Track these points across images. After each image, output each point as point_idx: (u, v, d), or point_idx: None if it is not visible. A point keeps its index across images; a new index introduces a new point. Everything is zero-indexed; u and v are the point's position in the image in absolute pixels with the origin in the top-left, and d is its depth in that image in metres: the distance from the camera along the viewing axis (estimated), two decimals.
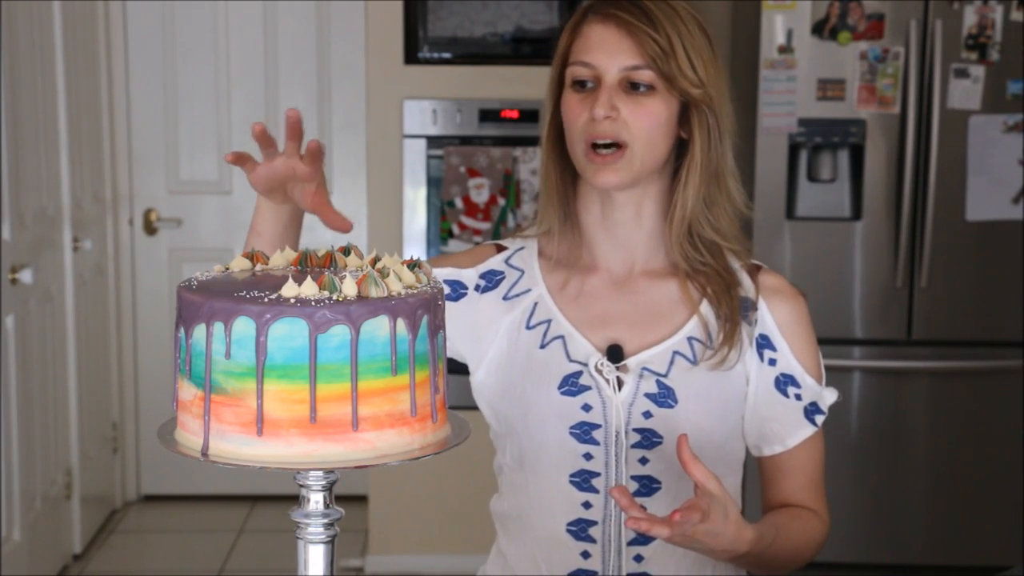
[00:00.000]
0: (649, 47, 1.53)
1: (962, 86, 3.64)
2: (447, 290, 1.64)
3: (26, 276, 3.58)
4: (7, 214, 3.46)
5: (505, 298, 1.64)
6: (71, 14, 4.11)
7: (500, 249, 1.69)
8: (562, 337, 1.60)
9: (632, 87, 1.55)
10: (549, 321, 1.61)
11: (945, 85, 3.64)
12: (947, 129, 3.66)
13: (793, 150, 3.70)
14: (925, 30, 3.63)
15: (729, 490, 1.64)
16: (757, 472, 1.70)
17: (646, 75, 1.54)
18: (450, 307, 1.63)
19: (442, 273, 1.65)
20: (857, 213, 3.73)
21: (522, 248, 1.68)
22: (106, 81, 4.52)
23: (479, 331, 1.64)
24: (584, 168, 1.57)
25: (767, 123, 3.66)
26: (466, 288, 1.65)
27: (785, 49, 3.65)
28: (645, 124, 1.54)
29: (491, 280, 1.66)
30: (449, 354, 1.65)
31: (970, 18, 3.62)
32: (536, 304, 1.63)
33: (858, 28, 3.63)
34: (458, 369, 1.59)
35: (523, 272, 1.65)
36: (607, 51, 1.55)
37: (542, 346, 1.60)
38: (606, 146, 1.55)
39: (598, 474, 1.58)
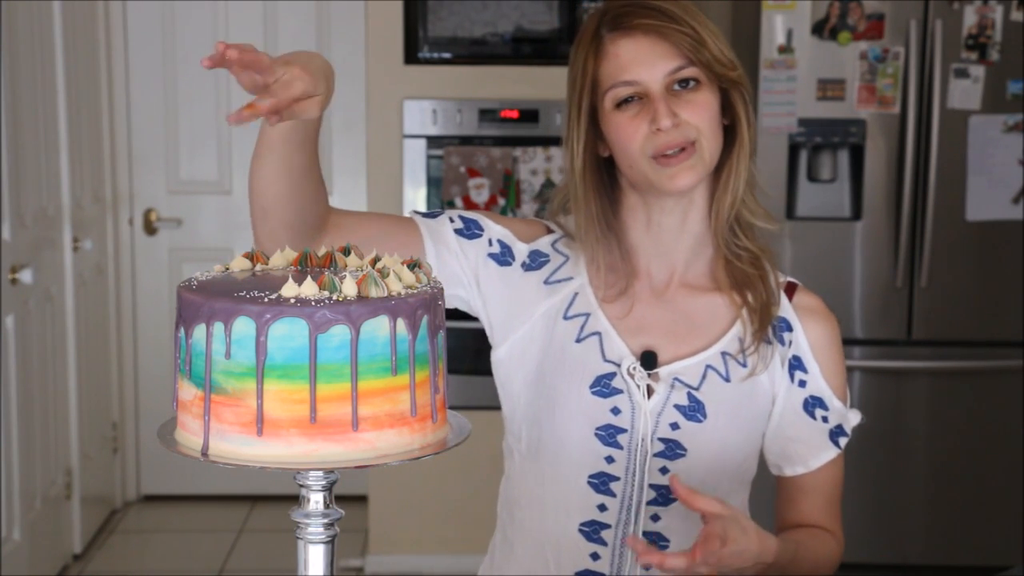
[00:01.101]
0: (684, 44, 1.51)
1: (962, 86, 3.64)
2: (496, 250, 1.62)
3: (26, 276, 3.57)
4: (7, 214, 3.46)
5: (546, 282, 1.62)
6: (71, 14, 4.11)
7: (548, 231, 1.66)
8: (599, 334, 1.58)
9: (679, 87, 1.53)
10: (588, 315, 1.59)
11: (945, 85, 3.64)
12: (947, 129, 3.66)
13: (793, 150, 3.70)
14: (925, 30, 3.63)
15: (738, 504, 1.64)
16: (769, 490, 1.70)
17: (690, 72, 1.52)
18: (495, 271, 1.61)
19: (499, 232, 1.62)
20: (857, 213, 3.73)
21: (566, 236, 1.65)
22: (106, 81, 4.52)
23: (514, 307, 1.61)
24: (656, 179, 1.53)
25: (767, 123, 3.66)
26: (514, 259, 1.62)
27: (785, 49, 3.65)
28: (706, 117, 1.53)
29: (535, 261, 1.63)
30: (476, 314, 1.63)
31: (970, 18, 3.62)
32: (576, 295, 1.61)
33: (858, 28, 3.63)
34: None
35: (567, 259, 1.63)
36: (646, 63, 1.52)
37: (578, 340, 1.58)
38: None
39: (617, 478, 1.57)
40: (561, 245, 1.64)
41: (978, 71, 3.63)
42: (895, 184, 3.70)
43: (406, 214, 1.64)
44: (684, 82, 1.53)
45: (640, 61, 1.52)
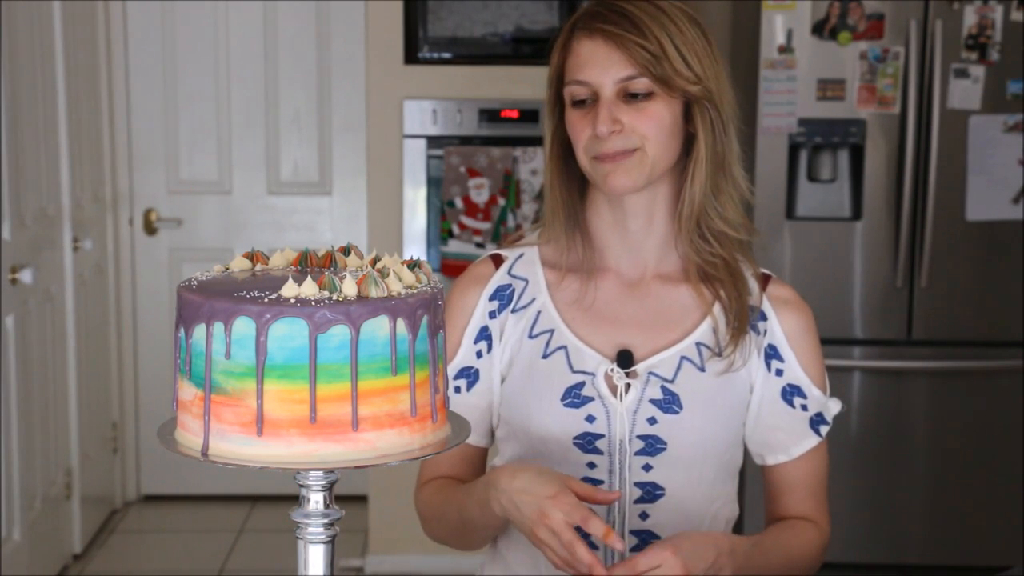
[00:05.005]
0: (639, 55, 1.52)
1: (962, 86, 3.64)
2: (484, 345, 1.64)
3: (26, 276, 3.57)
4: (7, 214, 3.46)
5: (514, 311, 1.64)
6: (71, 14, 4.11)
7: (498, 260, 1.67)
8: (565, 348, 1.59)
9: (631, 96, 1.54)
10: (552, 331, 1.61)
11: (945, 85, 3.64)
12: (947, 129, 3.66)
13: (793, 150, 3.70)
14: (925, 30, 3.63)
15: (727, 495, 1.64)
16: (759, 482, 1.70)
17: (642, 83, 1.54)
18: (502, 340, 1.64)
19: (468, 338, 1.64)
20: (857, 213, 3.73)
21: (522, 255, 1.67)
22: (106, 81, 4.52)
23: (504, 347, 1.64)
24: (594, 176, 1.57)
25: (767, 123, 3.66)
26: (489, 329, 1.64)
27: (785, 49, 3.65)
28: (651, 128, 1.54)
29: (503, 296, 1.64)
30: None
31: (970, 18, 3.62)
32: (539, 313, 1.62)
33: (858, 28, 3.63)
34: None
35: (527, 281, 1.64)
36: (599, 66, 1.54)
37: (544, 356, 1.60)
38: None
39: (601, 482, 1.58)
40: (517, 269, 1.66)
41: (978, 71, 3.63)
42: (895, 184, 3.70)
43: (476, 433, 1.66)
44: (636, 93, 1.54)
45: (594, 64, 1.55)
